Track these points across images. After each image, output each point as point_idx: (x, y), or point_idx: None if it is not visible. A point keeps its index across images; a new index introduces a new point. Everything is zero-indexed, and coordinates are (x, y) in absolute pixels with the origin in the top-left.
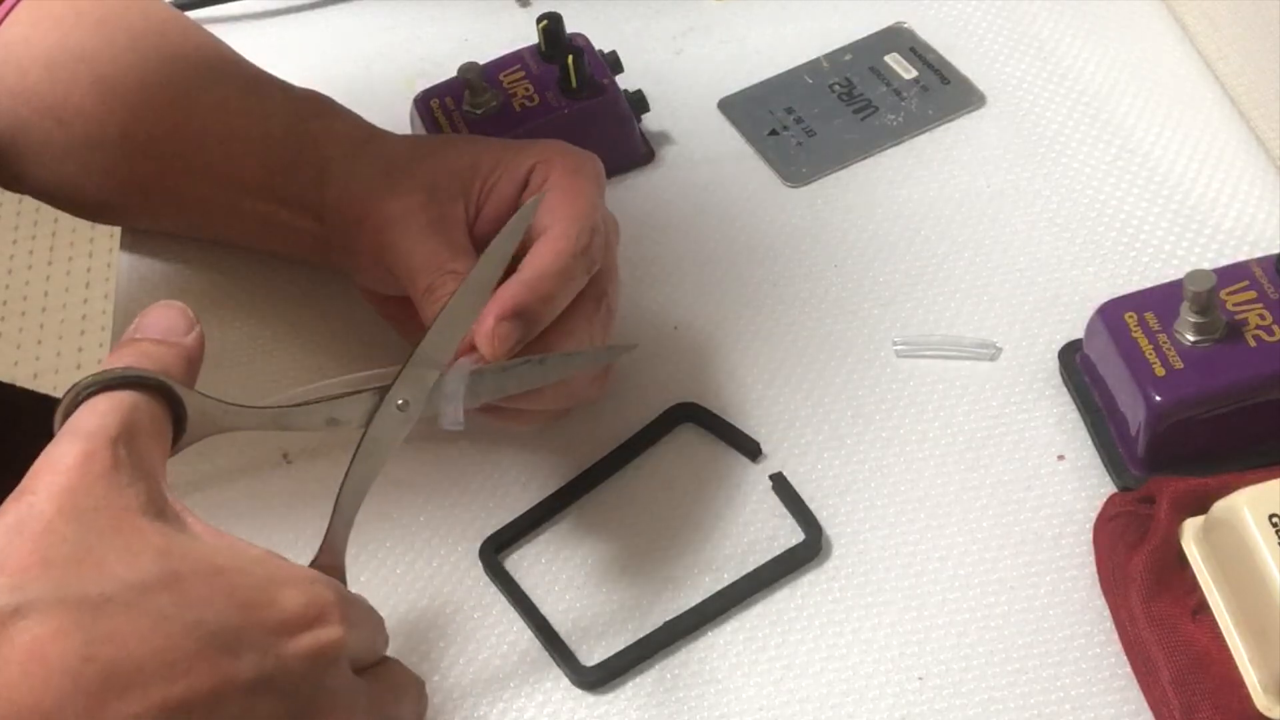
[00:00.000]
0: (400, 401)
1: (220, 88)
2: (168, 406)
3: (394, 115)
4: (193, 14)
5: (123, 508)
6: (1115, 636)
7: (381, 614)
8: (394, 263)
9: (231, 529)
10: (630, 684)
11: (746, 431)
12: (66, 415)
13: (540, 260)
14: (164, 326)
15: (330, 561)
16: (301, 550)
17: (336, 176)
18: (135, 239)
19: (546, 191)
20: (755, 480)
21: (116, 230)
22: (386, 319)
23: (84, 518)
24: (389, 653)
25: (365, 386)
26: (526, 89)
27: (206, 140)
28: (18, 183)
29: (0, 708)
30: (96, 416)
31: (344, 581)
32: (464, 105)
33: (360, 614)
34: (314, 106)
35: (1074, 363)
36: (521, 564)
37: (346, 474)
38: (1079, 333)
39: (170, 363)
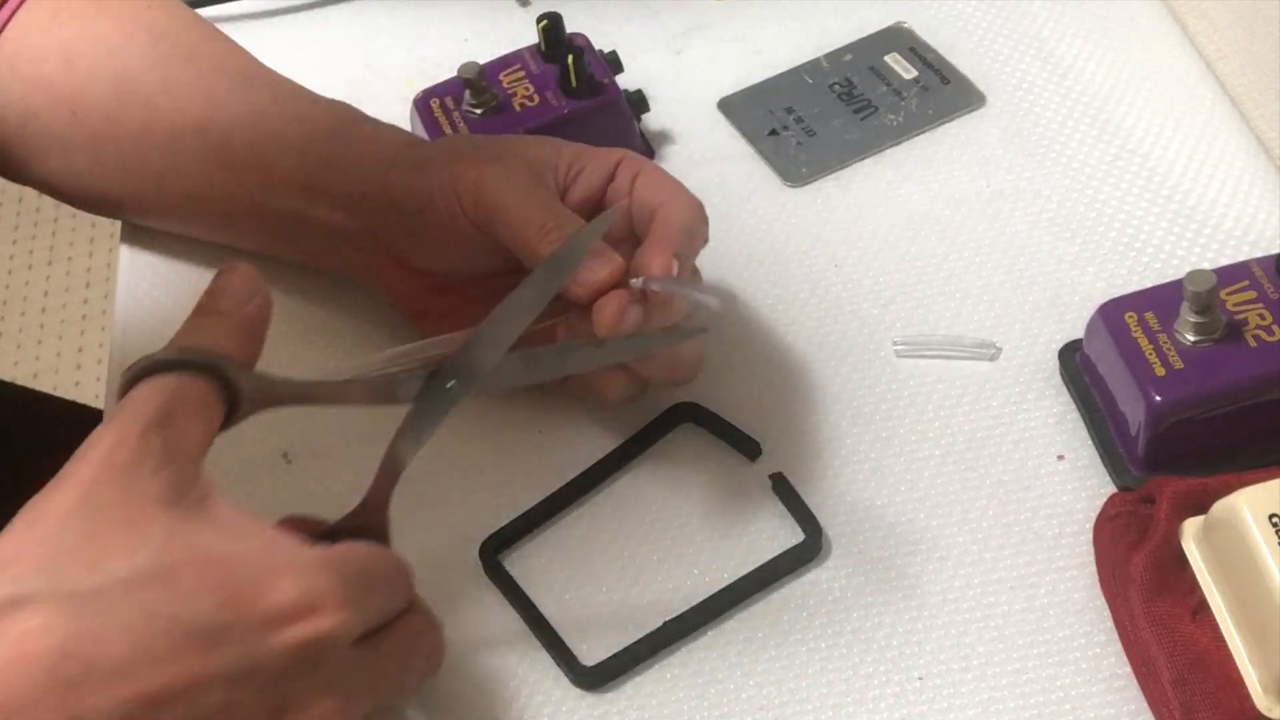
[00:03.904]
0: (450, 384)
1: (254, 94)
2: (219, 383)
3: (394, 115)
4: None
5: (138, 500)
6: (1115, 636)
7: None
8: (498, 214)
9: None
10: (630, 684)
11: (746, 431)
12: (119, 399)
13: (670, 226)
14: (227, 294)
15: (368, 520)
16: None
17: (393, 166)
18: (136, 238)
19: (642, 178)
20: (755, 480)
21: (116, 230)
22: (410, 318)
23: (97, 512)
24: None
25: (421, 355)
26: (526, 89)
27: (233, 141)
28: (22, 172)
29: None
30: (134, 404)
31: (386, 539)
32: (464, 105)
33: (368, 589)
34: (352, 114)
35: (1074, 363)
36: (521, 564)
37: (395, 437)
38: (1079, 333)
39: (230, 334)
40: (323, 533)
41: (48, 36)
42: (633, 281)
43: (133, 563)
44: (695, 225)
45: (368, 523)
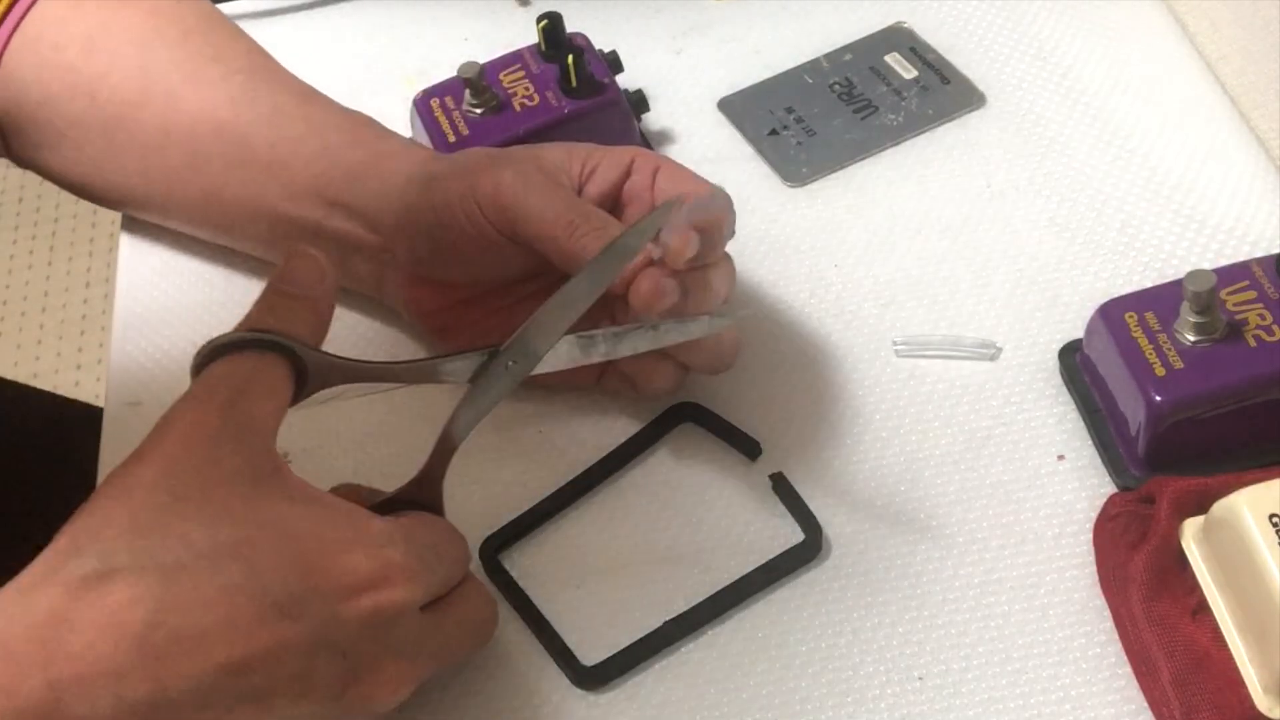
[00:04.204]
0: (510, 362)
1: (278, 98)
2: (289, 362)
3: (394, 115)
4: None
5: (218, 475)
6: (1115, 636)
7: None
8: (522, 217)
9: None
10: (630, 684)
11: (746, 431)
12: (194, 376)
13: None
14: (297, 278)
15: (423, 492)
16: None
17: (411, 181)
18: (136, 238)
19: (663, 173)
20: (755, 480)
21: (116, 230)
22: (433, 333)
23: (178, 487)
24: None
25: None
26: (526, 89)
27: (254, 142)
28: (33, 158)
29: (75, 665)
30: (211, 382)
31: (440, 510)
32: (464, 105)
33: (433, 561)
34: (374, 127)
35: (1074, 363)
36: (521, 564)
37: (453, 414)
38: (1079, 333)
39: (299, 315)
40: (380, 503)
41: (71, 24)
42: (652, 251)
43: (214, 536)
44: (723, 214)
45: (423, 495)
